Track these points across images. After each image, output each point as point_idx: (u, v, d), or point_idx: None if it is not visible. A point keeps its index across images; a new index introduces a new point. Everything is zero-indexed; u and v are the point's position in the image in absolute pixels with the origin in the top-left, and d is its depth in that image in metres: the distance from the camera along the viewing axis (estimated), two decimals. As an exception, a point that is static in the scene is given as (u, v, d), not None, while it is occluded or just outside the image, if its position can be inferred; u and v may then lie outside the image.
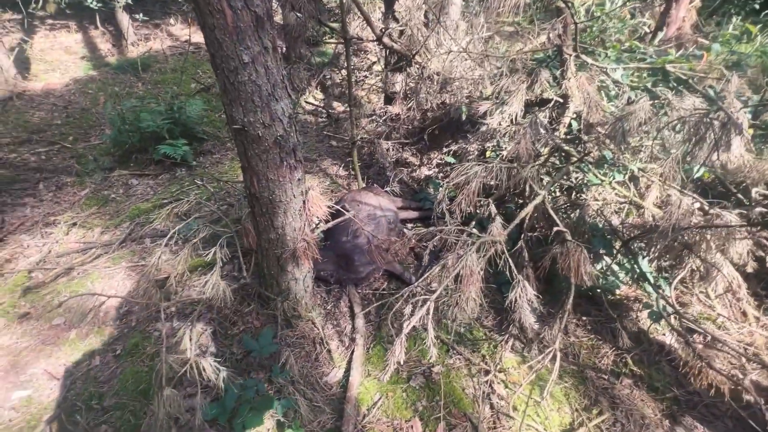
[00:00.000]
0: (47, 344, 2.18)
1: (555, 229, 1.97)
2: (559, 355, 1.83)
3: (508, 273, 1.90)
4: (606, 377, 2.10)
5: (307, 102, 5.14)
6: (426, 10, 3.69)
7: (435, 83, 3.55)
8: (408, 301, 1.97)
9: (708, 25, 6.38)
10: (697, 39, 4.47)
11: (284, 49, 7.12)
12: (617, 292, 2.43)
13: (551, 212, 2.08)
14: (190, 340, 1.57)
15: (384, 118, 4.42)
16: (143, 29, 7.20)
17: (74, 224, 3.06)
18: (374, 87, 5.27)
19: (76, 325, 2.16)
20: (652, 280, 2.17)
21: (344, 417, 1.82)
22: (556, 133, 2.29)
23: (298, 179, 1.90)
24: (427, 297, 1.64)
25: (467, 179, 1.92)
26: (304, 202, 2.00)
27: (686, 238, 1.80)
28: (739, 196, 2.43)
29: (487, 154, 3.15)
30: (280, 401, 1.80)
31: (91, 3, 6.23)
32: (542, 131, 2.16)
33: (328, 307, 2.48)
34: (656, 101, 2.12)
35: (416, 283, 2.04)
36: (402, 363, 2.13)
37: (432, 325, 1.60)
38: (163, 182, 3.65)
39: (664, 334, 2.29)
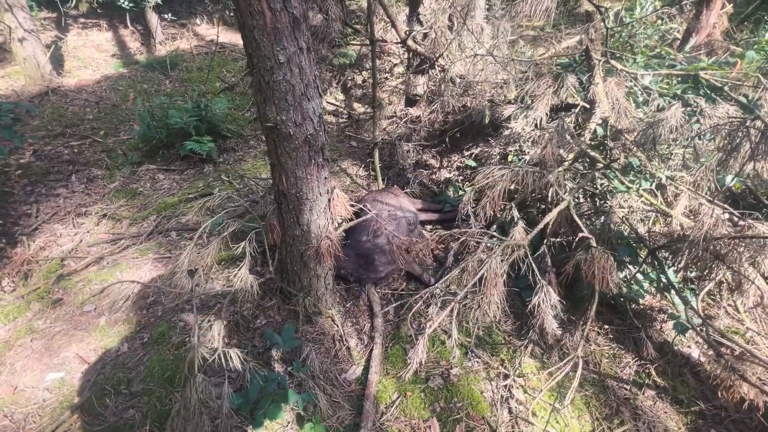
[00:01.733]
0: (79, 329, 2.27)
1: (580, 235, 1.95)
2: (581, 362, 1.81)
3: (530, 277, 1.89)
4: (628, 387, 2.07)
5: (328, 102, 5.20)
6: (450, 14, 3.70)
7: (458, 86, 3.55)
8: (429, 302, 1.99)
9: (739, 32, 6.20)
10: (729, 46, 4.36)
11: (306, 50, 7.24)
12: (641, 301, 2.39)
13: (576, 218, 2.06)
14: (218, 332, 1.61)
15: (404, 120, 4.44)
16: (170, 29, 7.40)
17: (104, 215, 3.17)
18: (396, 89, 5.30)
19: (113, 313, 2.24)
20: (677, 290, 2.13)
21: (363, 414, 1.84)
22: (582, 139, 2.27)
23: (325, 178, 1.94)
24: (450, 298, 1.65)
25: (493, 182, 1.92)
26: (329, 200, 2.04)
27: (717, 248, 1.76)
28: (772, 207, 2.36)
29: (509, 158, 3.13)
30: (300, 395, 1.83)
31: (123, 2, 6.44)
32: (568, 136, 2.14)
33: (347, 305, 2.50)
34: (688, 108, 2.08)
35: (436, 285, 2.05)
36: (421, 364, 2.15)
37: (456, 326, 1.61)
38: (189, 177, 3.75)
39: (689, 347, 2.24)
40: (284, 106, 1.61)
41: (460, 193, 3.41)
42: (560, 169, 2.07)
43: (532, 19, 2.12)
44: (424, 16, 3.98)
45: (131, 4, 6.50)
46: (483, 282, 1.69)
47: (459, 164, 3.75)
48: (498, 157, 3.16)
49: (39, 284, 2.52)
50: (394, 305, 2.46)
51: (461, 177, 3.73)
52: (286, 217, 1.99)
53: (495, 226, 2.62)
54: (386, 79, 5.59)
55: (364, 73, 5.60)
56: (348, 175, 3.87)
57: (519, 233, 2.00)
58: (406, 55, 4.41)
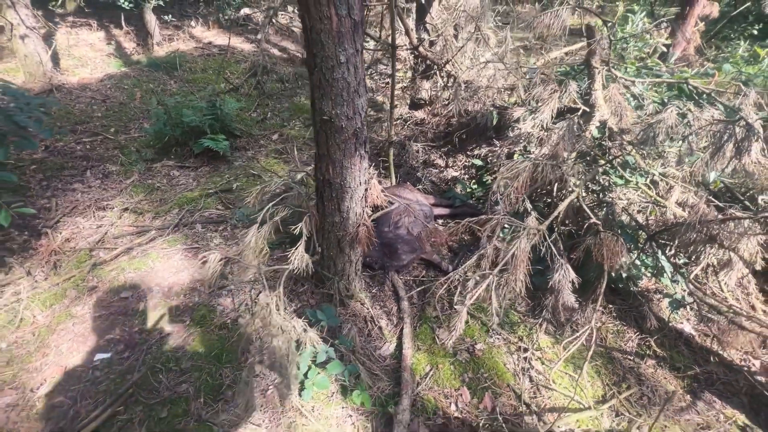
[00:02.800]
0: (119, 314, 2.35)
1: (591, 221, 2.21)
2: (595, 332, 2.04)
3: (549, 259, 2.12)
4: (632, 358, 2.32)
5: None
6: (455, 24, 3.97)
7: (465, 91, 3.81)
8: (449, 287, 2.19)
9: (708, 48, 6.78)
10: (703, 61, 4.82)
11: (303, 55, 7.42)
12: (639, 284, 2.67)
13: (585, 207, 2.32)
14: (277, 306, 1.76)
15: (409, 122, 4.67)
16: (165, 30, 7.42)
17: (126, 209, 3.24)
18: (400, 94, 5.53)
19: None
20: (670, 273, 2.42)
21: (402, 383, 2.02)
22: (587, 138, 2.54)
23: (365, 168, 2.12)
24: (488, 272, 1.86)
25: (517, 173, 2.15)
26: (365, 189, 2.22)
27: (709, 230, 2.04)
28: (746, 203, 2.70)
29: (515, 157, 3.39)
30: (346, 367, 1.99)
31: (123, 3, 6.47)
32: (576, 135, 2.40)
33: (373, 291, 2.68)
34: (679, 111, 2.38)
35: (456, 270, 2.26)
36: (458, 334, 2.35)
37: (495, 296, 1.82)
38: (204, 174, 3.85)
39: (681, 323, 2.53)
40: (339, 102, 1.80)
41: (468, 190, 3.65)
42: (574, 163, 2.32)
43: (550, 30, 2.39)
44: (430, 25, 4.24)
45: (131, 5, 6.53)
46: (513, 260, 1.90)
47: (465, 164, 4.00)
48: (504, 156, 3.41)
49: (73, 273, 2.58)
50: (417, 290, 2.65)
51: (467, 176, 3.97)
52: (328, 204, 2.16)
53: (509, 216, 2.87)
54: (387, 83, 5.82)
55: (374, 77, 5.80)
56: (359, 173, 4.04)
57: (532, 221, 2.24)
58: (411, 62, 4.66)
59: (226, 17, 8.50)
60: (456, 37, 4.06)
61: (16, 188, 3.23)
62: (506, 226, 2.21)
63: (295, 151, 4.07)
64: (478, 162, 3.74)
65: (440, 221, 3.45)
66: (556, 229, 2.53)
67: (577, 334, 2.07)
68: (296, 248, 1.89)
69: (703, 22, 6.01)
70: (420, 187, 3.72)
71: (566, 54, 4.41)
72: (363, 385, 1.98)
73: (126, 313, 2.36)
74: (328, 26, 1.60)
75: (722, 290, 2.62)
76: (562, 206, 2.29)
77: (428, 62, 4.21)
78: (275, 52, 7.39)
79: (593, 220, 2.24)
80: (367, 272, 2.75)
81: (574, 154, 2.78)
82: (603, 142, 2.81)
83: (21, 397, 1.91)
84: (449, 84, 4.12)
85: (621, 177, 2.62)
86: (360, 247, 2.33)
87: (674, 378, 2.22)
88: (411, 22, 4.34)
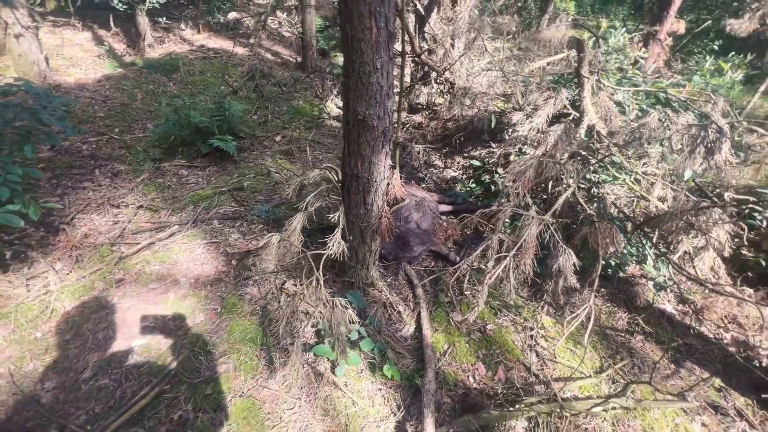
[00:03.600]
0: (149, 304, 2.45)
1: (586, 213, 2.49)
2: (593, 310, 2.31)
3: (551, 247, 2.38)
4: (623, 334, 2.61)
5: (324, 109, 5.56)
6: (452, 34, 4.25)
7: (465, 97, 4.08)
8: (459, 276, 2.42)
9: (675, 61, 7.39)
10: (673, 73, 5.30)
11: (297, 60, 7.56)
12: (626, 269, 2.98)
13: (581, 200, 2.60)
14: (323, 284, 1.93)
15: (408, 125, 4.92)
16: (155, 32, 7.42)
17: (141, 206, 3.32)
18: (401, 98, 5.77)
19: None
20: (652, 260, 2.73)
21: (426, 358, 2.22)
22: (580, 140, 2.84)
23: (389, 164, 2.33)
24: (504, 254, 2.10)
25: (524, 169, 2.41)
26: (387, 184, 2.42)
27: (688, 219, 2.35)
28: (714, 199, 3.06)
29: (511, 158, 3.68)
30: (376, 344, 2.17)
31: (117, 4, 6.47)
32: (573, 137, 2.70)
33: (388, 280, 2.87)
34: (660, 117, 2.71)
35: (465, 260, 2.49)
36: (461, 322, 2.57)
37: (512, 275, 2.05)
38: (212, 173, 3.95)
39: (663, 304, 2.84)
40: (373, 103, 2.00)
41: (467, 189, 3.91)
42: (574, 160, 2.61)
43: (550, 43, 2.69)
44: (428, 34, 4.52)
45: (124, 6, 6.54)
46: (524, 244, 2.15)
47: (463, 164, 4.26)
48: (502, 157, 3.70)
49: (98, 267, 2.66)
50: (429, 279, 2.86)
51: (465, 175, 4.24)
52: (354, 197, 2.35)
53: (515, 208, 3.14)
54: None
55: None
56: (363, 173, 4.24)
57: (533, 214, 2.50)
58: (411, 68, 4.91)
59: (216, 21, 8.56)
60: (452, 46, 4.35)
61: (28, 186, 3.25)
62: (507, 220, 2.47)
63: (308, 150, 4.23)
64: (477, 163, 4.01)
65: (444, 217, 3.69)
66: (554, 221, 2.81)
67: (578, 312, 2.33)
68: (334, 235, 2.06)
69: (671, 38, 6.58)
70: (423, 185, 3.95)
71: (548, 63, 4.78)
72: (390, 361, 2.17)
73: (157, 303, 2.47)
74: (368, 36, 1.81)
75: (698, 274, 2.96)
76: (561, 200, 2.56)
77: (426, 69, 4.47)
78: (269, 56, 7.52)
79: (588, 212, 2.53)
80: (381, 263, 2.95)
81: (566, 155, 3.08)
82: (591, 144, 3.13)
83: (66, 379, 2.00)
84: (448, 90, 4.39)
85: (609, 174, 2.93)
86: (381, 237, 2.53)
87: (660, 350, 2.52)
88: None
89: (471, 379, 2.24)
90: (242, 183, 3.74)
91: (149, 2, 6.54)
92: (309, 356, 2.20)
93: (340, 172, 3.67)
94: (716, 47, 7.71)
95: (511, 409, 1.96)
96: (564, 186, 2.74)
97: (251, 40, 7.91)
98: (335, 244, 2.03)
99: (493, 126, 3.79)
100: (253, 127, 4.97)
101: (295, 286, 2.64)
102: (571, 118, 3.30)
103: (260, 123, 5.10)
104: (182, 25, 8.26)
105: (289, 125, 5.21)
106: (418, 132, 4.77)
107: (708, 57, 5.38)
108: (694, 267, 2.97)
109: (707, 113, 2.40)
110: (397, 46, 4.74)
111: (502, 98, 4.12)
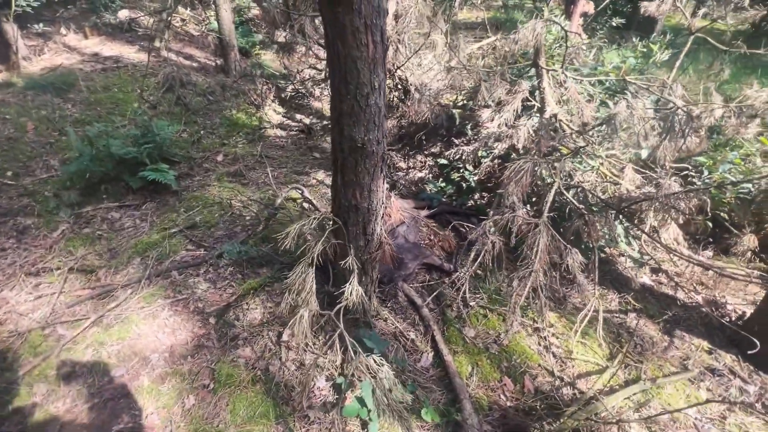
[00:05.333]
0: (118, 399, 1.98)
1: (580, 207, 2.52)
2: (601, 304, 2.37)
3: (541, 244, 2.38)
4: (618, 315, 2.75)
5: (263, 118, 5.09)
6: (398, 31, 4.06)
7: (418, 93, 3.94)
8: (458, 286, 2.33)
9: (592, 40, 8.03)
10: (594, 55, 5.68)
11: (217, 63, 6.81)
12: (606, 251, 3.14)
13: (569, 196, 2.64)
14: (353, 346, 1.68)
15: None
16: (27, 40, 6.12)
17: (70, 269, 2.69)
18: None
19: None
20: (625, 240, 2.91)
21: (457, 388, 2.10)
22: (561, 134, 2.87)
23: (386, 188, 2.11)
24: (529, 269, 2.02)
25: (521, 173, 2.35)
26: (385, 208, 2.21)
27: (667, 201, 2.51)
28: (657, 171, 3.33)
29: (479, 153, 3.65)
30: (407, 388, 1.99)
31: (-29, 10, 5.17)
32: (551, 132, 2.71)
33: (389, 305, 2.68)
34: (621, 103, 2.84)
35: (463, 270, 2.41)
36: (475, 336, 2.49)
37: (542, 288, 1.99)
38: (151, 212, 3.36)
39: (642, 277, 3.05)
40: (371, 127, 1.76)
41: (437, 189, 3.82)
42: (563, 158, 2.62)
43: (528, 44, 2.66)
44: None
45: (-18, 12, 5.25)
46: (537, 253, 2.10)
47: (429, 163, 4.16)
48: (471, 154, 3.65)
49: (33, 363, 2.08)
50: (433, 295, 2.73)
51: (431, 175, 4.15)
52: (352, 229, 2.10)
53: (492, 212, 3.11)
54: (323, 89, 5.69)
55: (295, 84, 5.58)
56: (327, 186, 3.94)
57: (522, 213, 2.48)
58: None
59: (105, 22, 7.35)
60: (400, 41, 4.16)
61: None
62: (491, 224, 2.43)
63: (270, 174, 3.78)
64: (443, 161, 3.92)
65: (422, 222, 3.57)
66: (547, 218, 2.83)
67: (587, 307, 2.38)
68: (350, 283, 1.80)
69: (582, 18, 7.09)
70: (395, 192, 3.77)
71: (478, 48, 4.83)
72: (427, 402, 2.01)
73: (127, 395, 2.00)
74: (364, 53, 1.56)
75: (662, 244, 3.23)
76: (550, 196, 2.56)
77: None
78: (183, 61, 6.64)
79: (577, 205, 2.57)
80: (379, 287, 2.74)
81: (556, 152, 3.11)
82: (554, 134, 3.20)
83: None
84: (400, 87, 4.21)
85: (581, 163, 3.03)
86: (384, 264, 2.32)
87: (652, 324, 2.69)
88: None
89: (503, 397, 2.18)
90: (194, 219, 3.23)
91: (17, 5, 5.31)
92: (332, 416, 1.95)
93: (306, 191, 3.35)
94: (614, 24, 8.54)
95: (557, 424, 1.92)
96: (549, 183, 2.75)
97: (157, 43, 6.90)
98: (353, 292, 1.78)
99: (457, 123, 3.72)
100: (186, 147, 4.33)
101: (292, 335, 2.33)
102: (534, 109, 3.34)
103: (193, 142, 4.47)
104: (62, 30, 6.92)
105: (228, 140, 4.64)
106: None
107: (635, 39, 5.87)
108: (660, 238, 3.22)
109: (668, 99, 2.55)
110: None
111: (461, 93, 4.06)
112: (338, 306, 1.76)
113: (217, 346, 2.26)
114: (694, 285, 3.03)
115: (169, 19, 7.49)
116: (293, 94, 5.72)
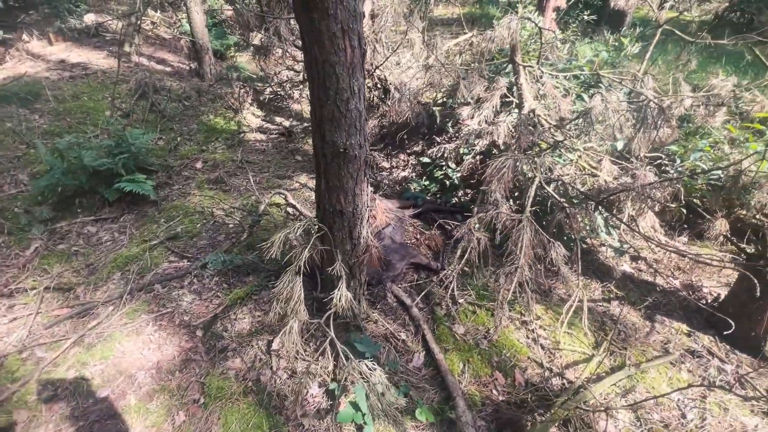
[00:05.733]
0: (104, 420, 1.92)
1: (561, 200, 2.57)
2: (585, 295, 2.43)
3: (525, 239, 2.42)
4: (601, 303, 2.82)
5: (242, 122, 5.01)
6: (375, 30, 4.05)
7: (397, 92, 3.94)
8: (446, 284, 2.36)
9: (565, 34, 8.18)
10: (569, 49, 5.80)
11: (192, 67, 6.65)
12: (587, 241, 3.21)
13: (550, 190, 2.69)
14: (344, 353, 1.68)
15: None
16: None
17: (46, 288, 2.59)
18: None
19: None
20: (605, 229, 2.99)
21: (450, 386, 2.12)
22: (540, 129, 2.92)
23: (371, 191, 2.11)
24: (515, 265, 2.06)
25: (501, 169, 2.38)
26: (370, 210, 2.20)
27: (645, 191, 2.58)
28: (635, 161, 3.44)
29: (461, 150, 3.68)
30: (399, 389, 2.00)
31: None
32: (530, 128, 2.75)
33: (378, 306, 2.69)
34: (596, 97, 2.91)
35: (449, 268, 2.44)
36: (465, 333, 2.52)
37: (527, 283, 2.02)
38: (130, 224, 3.26)
39: (622, 265, 3.14)
40: (353, 132, 1.75)
41: (421, 187, 3.83)
42: (543, 153, 2.66)
43: (504, 42, 2.68)
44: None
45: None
46: (522, 249, 2.13)
47: (412, 162, 4.17)
48: (453, 151, 3.67)
49: (11, 389, 2.00)
50: (422, 295, 2.74)
51: (414, 173, 4.16)
52: (338, 234, 2.09)
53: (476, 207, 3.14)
54: (302, 90, 5.62)
55: (273, 86, 5.50)
56: (311, 189, 3.90)
57: (505, 208, 2.52)
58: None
59: (70, 27, 7.09)
60: (376, 41, 4.15)
61: None
62: (478, 220, 2.46)
63: (252, 180, 3.72)
64: (426, 159, 3.94)
65: (408, 221, 3.58)
66: (529, 213, 2.87)
67: (572, 299, 2.43)
68: (339, 289, 1.79)
69: (555, 13, 7.21)
70: (380, 193, 3.77)
71: (455, 45, 4.87)
72: (421, 402, 2.02)
73: (114, 416, 1.94)
74: (343, 58, 1.55)
75: (640, 233, 3.33)
76: (531, 191, 2.61)
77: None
78: (155, 65, 6.46)
79: (558, 199, 2.62)
80: (367, 290, 2.74)
81: (536, 147, 3.16)
82: (534, 126, 3.25)
83: None
84: (379, 87, 4.20)
85: (560, 156, 3.09)
86: (373, 266, 2.32)
87: (634, 311, 2.78)
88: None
89: (495, 392, 2.21)
90: (175, 229, 3.15)
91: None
92: (327, 423, 1.94)
93: (289, 196, 3.31)
94: (586, 18, 8.73)
95: (549, 415, 1.97)
96: (530, 178, 2.80)
97: (126, 48, 6.69)
98: (342, 298, 1.77)
99: (438, 121, 3.74)
100: (163, 155, 4.22)
101: (283, 344, 2.31)
102: (513, 105, 3.38)
103: (170, 149, 4.36)
104: (25, 36, 6.64)
105: (207, 146, 4.55)
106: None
107: (607, 32, 6.01)
108: (638, 227, 3.32)
109: (639, 91, 2.62)
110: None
111: (440, 91, 4.08)
112: (327, 313, 1.75)
113: (206, 359, 2.21)
114: (672, 271, 3.14)
115: (139, 22, 7.27)
116: (271, 96, 5.64)
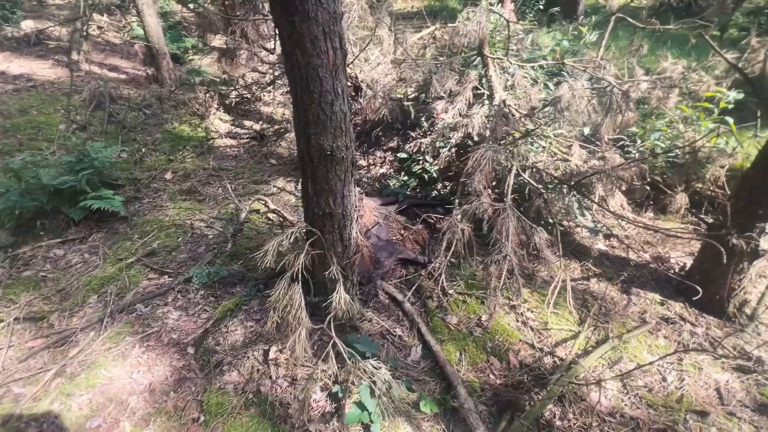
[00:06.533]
0: (99, 450, 1.84)
1: (539, 186, 2.68)
2: (568, 276, 2.55)
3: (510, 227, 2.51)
4: (581, 281, 2.97)
5: (210, 128, 4.85)
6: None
7: (372, 90, 3.94)
8: (435, 276, 2.41)
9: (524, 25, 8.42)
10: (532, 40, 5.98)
11: (149, 73, 6.34)
12: (563, 223, 3.36)
13: (528, 178, 2.79)
14: (349, 353, 1.68)
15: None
16: None
17: (16, 319, 2.42)
18: (282, 101, 5.31)
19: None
20: (578, 211, 3.15)
21: (449, 376, 2.17)
22: (514, 118, 3.01)
23: (359, 192, 2.11)
24: (504, 253, 2.12)
25: (479, 162, 2.44)
26: (358, 210, 2.21)
27: (615, 173, 2.73)
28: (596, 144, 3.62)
29: (437, 144, 3.73)
30: (402, 383, 2.03)
31: None
32: (503, 118, 2.84)
33: (370, 305, 2.70)
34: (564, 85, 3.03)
35: (435, 260, 2.50)
36: (458, 323, 2.59)
37: (516, 269, 2.09)
38: (101, 243, 3.10)
39: (597, 244, 3.31)
40: (339, 134, 1.74)
41: (401, 183, 3.86)
42: (518, 142, 2.75)
43: (470, 36, 2.74)
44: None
45: None
46: (507, 235, 2.21)
47: (390, 159, 4.19)
48: (430, 146, 3.72)
49: (-10, 430, 1.86)
50: (413, 289, 2.78)
51: (392, 169, 4.18)
52: (328, 237, 2.08)
53: (457, 196, 3.22)
54: (269, 92, 5.50)
55: (238, 90, 5.35)
56: (289, 193, 3.84)
57: (486, 199, 2.60)
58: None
59: (6, 36, 6.59)
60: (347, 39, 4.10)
61: None
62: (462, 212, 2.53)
63: (229, 187, 3.60)
64: (403, 155, 3.97)
65: (391, 218, 3.60)
66: (510, 201, 2.97)
67: (556, 280, 2.55)
68: (337, 292, 1.79)
69: (513, 3, 7.40)
70: (359, 190, 3.76)
71: (419, 38, 4.92)
72: (423, 394, 2.06)
73: (108, 444, 1.86)
74: (325, 61, 1.53)
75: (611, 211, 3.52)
76: (510, 182, 2.70)
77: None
78: (108, 73, 6.10)
79: (536, 186, 2.73)
80: (359, 289, 2.74)
81: (510, 137, 3.24)
82: (507, 116, 3.35)
83: None
84: (350, 84, 4.18)
85: (532, 144, 3.20)
86: (364, 266, 2.33)
87: (611, 285, 2.94)
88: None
89: (492, 377, 2.29)
90: (151, 245, 3.02)
91: None
92: (333, 425, 1.95)
93: (269, 202, 3.25)
94: (541, 6, 9.02)
95: (545, 392, 2.06)
96: (507, 167, 2.89)
97: (74, 56, 6.28)
98: (341, 300, 1.77)
99: (412, 116, 3.77)
100: (128, 168, 4.02)
101: (280, 351, 2.28)
102: (485, 97, 3.47)
103: (135, 161, 4.15)
104: (-47, 47, 6.11)
105: (175, 156, 4.37)
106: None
107: (564, 22, 6.24)
108: (608, 207, 3.50)
109: (603, 77, 2.76)
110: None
111: (412, 86, 4.10)
112: (329, 317, 1.74)
113: (201, 376, 2.15)
114: (642, 245, 3.35)
115: (86, 28, 6.85)
116: (238, 100, 5.48)
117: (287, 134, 4.66)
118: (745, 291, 2.63)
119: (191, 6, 7.47)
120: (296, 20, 1.42)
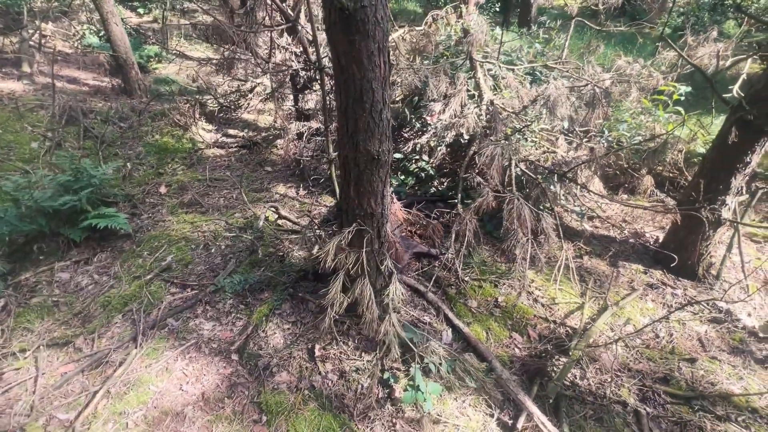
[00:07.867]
0: (166, 462, 1.86)
1: (537, 177, 2.98)
2: (570, 254, 2.86)
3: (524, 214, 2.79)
4: (576, 260, 3.32)
5: (195, 139, 4.77)
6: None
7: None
8: (449, 267, 2.64)
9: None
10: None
11: (115, 83, 6.05)
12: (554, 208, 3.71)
13: (526, 170, 3.08)
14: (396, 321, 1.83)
15: (306, 134, 4.66)
16: None
17: (39, 348, 2.33)
18: (270, 108, 5.30)
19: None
20: (563, 196, 3.51)
21: (483, 353, 2.39)
22: (509, 117, 3.29)
23: (391, 191, 2.27)
24: (527, 237, 2.37)
25: (492, 156, 2.69)
26: (389, 209, 2.37)
27: (598, 161, 3.09)
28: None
29: (432, 143, 3.96)
30: (448, 363, 2.22)
31: None
32: (501, 117, 3.11)
33: (395, 298, 2.87)
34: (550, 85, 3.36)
35: (448, 251, 2.73)
36: (478, 306, 2.82)
37: (541, 255, 2.35)
38: (109, 263, 3.01)
39: (583, 226, 3.70)
40: (384, 139, 1.90)
41: (399, 182, 4.05)
42: (513, 138, 3.02)
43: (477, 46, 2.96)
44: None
45: None
46: (521, 221, 2.47)
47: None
48: (426, 145, 3.93)
49: (46, 458, 1.82)
50: (432, 281, 2.98)
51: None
52: (368, 236, 2.22)
53: (459, 191, 3.45)
54: (249, 100, 5.46)
55: (219, 99, 5.28)
56: (292, 198, 3.90)
57: (489, 192, 2.87)
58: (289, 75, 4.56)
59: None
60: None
61: None
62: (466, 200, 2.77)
63: (244, 195, 3.58)
64: (398, 155, 4.15)
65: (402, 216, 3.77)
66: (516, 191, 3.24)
67: (560, 260, 2.86)
68: (392, 283, 1.94)
69: (475, 6, 7.82)
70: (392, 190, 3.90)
71: (409, 32, 5.14)
72: (468, 371, 2.26)
73: (175, 455, 1.89)
74: (378, 74, 1.69)
75: (597, 193, 3.93)
76: (513, 173, 2.99)
77: (313, 73, 4.26)
78: (67, 85, 5.75)
79: (535, 178, 3.03)
80: (382, 285, 2.90)
81: (504, 133, 3.51)
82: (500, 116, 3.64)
83: None
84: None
85: (525, 139, 3.52)
86: (403, 257, 2.49)
87: (601, 261, 3.32)
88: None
89: (516, 350, 2.54)
90: (165, 260, 2.98)
91: None
92: (387, 409, 2.10)
93: (281, 209, 3.31)
94: (498, 9, 9.60)
95: (568, 357, 2.34)
96: (507, 160, 3.17)
97: (26, 69, 5.84)
98: (397, 291, 1.93)
99: (408, 118, 3.97)
100: (117, 185, 3.88)
101: (324, 349, 2.39)
102: (476, 97, 3.74)
103: (123, 177, 4.01)
104: None
105: (164, 169, 4.25)
106: (323, 140, 4.57)
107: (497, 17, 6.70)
108: (591, 192, 3.90)
109: (582, 77, 3.11)
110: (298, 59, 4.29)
111: (404, 87, 4.29)
112: (390, 310, 1.89)
113: (251, 380, 2.22)
114: (621, 223, 3.78)
115: (36, 38, 6.41)
116: (217, 108, 5.39)
117: (278, 141, 4.69)
118: (710, 255, 3.09)
119: (203, 8, 7.18)
120: (356, 39, 1.56)
